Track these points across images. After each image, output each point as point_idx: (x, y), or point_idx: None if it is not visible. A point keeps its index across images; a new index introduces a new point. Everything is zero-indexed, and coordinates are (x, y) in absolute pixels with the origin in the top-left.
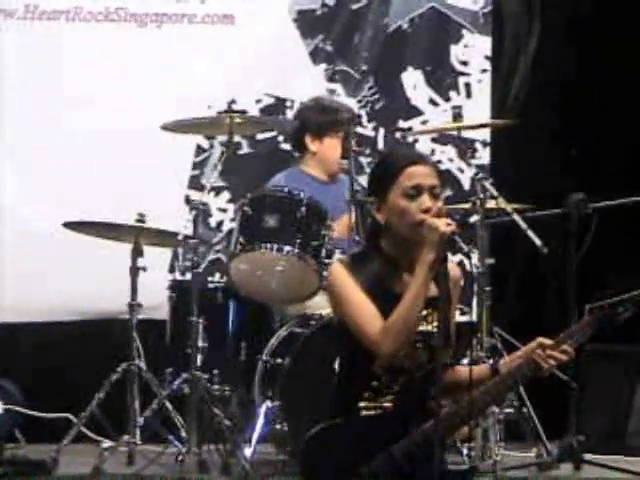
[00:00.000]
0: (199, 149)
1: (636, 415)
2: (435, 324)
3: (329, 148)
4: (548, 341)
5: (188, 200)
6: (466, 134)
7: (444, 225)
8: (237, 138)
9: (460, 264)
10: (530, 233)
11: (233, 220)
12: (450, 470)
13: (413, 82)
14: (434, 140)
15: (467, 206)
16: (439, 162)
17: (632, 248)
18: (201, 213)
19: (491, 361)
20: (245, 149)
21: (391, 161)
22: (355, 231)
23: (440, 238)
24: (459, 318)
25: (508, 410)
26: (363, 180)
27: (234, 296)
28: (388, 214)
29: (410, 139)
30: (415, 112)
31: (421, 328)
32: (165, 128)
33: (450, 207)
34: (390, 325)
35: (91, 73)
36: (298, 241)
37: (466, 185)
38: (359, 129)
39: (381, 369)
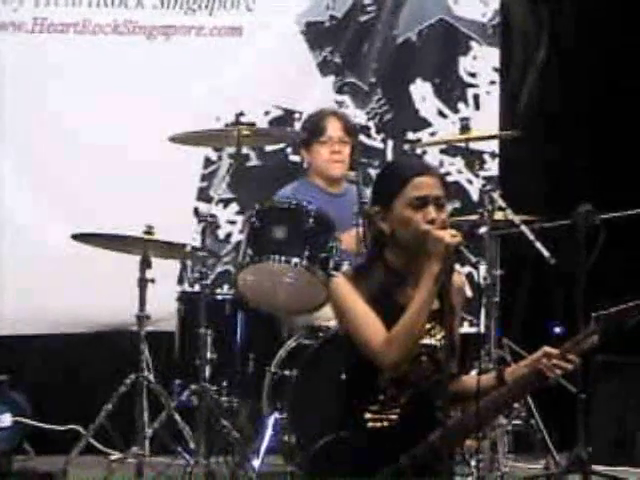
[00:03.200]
0: (207, 161)
1: None
2: (439, 337)
3: (315, 155)
4: (554, 350)
5: (196, 212)
6: (475, 146)
7: (449, 236)
8: (245, 150)
9: (468, 275)
10: (538, 244)
11: (241, 232)
12: None
13: (422, 94)
14: (443, 152)
15: (475, 217)
16: (448, 174)
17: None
18: (209, 225)
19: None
20: (253, 161)
21: (397, 171)
22: (364, 243)
23: (445, 250)
24: (467, 329)
25: (516, 421)
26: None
27: (242, 308)
28: (393, 224)
29: (419, 151)
30: (424, 124)
31: (425, 341)
32: (173, 140)
33: (458, 219)
34: (394, 336)
35: (99, 85)
36: (306, 253)
37: (474, 196)
38: (368, 141)
39: (387, 382)
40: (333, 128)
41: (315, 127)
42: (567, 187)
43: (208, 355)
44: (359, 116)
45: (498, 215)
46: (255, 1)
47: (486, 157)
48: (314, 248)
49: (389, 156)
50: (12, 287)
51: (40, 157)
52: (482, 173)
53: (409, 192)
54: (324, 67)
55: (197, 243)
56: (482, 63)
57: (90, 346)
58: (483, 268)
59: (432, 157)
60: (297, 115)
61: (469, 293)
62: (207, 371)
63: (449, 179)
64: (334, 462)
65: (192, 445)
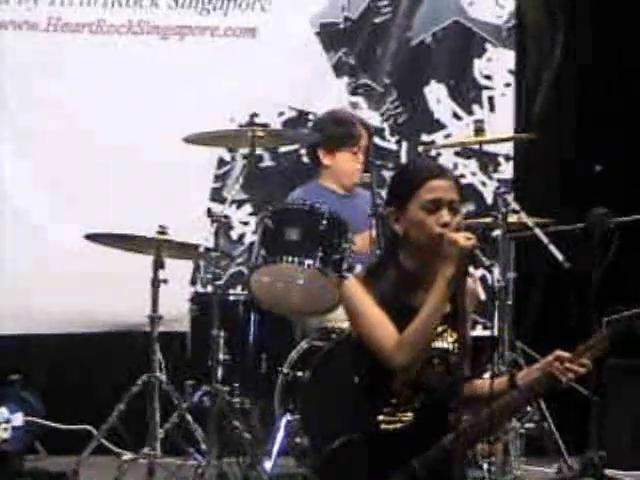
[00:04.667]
0: (221, 162)
1: None
2: (451, 340)
3: (342, 161)
4: (566, 354)
5: (210, 213)
6: (489, 148)
7: (464, 239)
8: (259, 151)
9: (482, 278)
10: (552, 247)
11: (255, 233)
12: None
13: (436, 96)
14: (457, 154)
15: (489, 220)
16: (462, 176)
17: None
18: (223, 226)
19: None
20: (267, 162)
21: (412, 173)
22: (377, 245)
23: (460, 252)
24: (481, 332)
25: (529, 425)
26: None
27: (255, 309)
28: (406, 226)
29: (433, 153)
30: (438, 126)
31: (437, 344)
32: (187, 140)
33: (472, 221)
34: (405, 339)
35: (114, 85)
36: (319, 254)
37: (489, 199)
38: (382, 143)
39: (400, 385)
40: (364, 137)
41: (348, 133)
42: (582, 190)
43: (220, 356)
44: (373, 118)
45: (512, 218)
46: (270, 2)
47: (500, 159)
48: (327, 250)
49: (403, 158)
50: (25, 287)
51: (55, 157)
52: (496, 175)
53: (423, 195)
54: (338, 68)
55: (210, 244)
56: (497, 65)
57: (102, 346)
58: (497, 271)
59: (446, 159)
60: (311, 116)
61: (482, 296)
62: (219, 372)
63: (463, 181)
64: (347, 464)
65: (204, 446)
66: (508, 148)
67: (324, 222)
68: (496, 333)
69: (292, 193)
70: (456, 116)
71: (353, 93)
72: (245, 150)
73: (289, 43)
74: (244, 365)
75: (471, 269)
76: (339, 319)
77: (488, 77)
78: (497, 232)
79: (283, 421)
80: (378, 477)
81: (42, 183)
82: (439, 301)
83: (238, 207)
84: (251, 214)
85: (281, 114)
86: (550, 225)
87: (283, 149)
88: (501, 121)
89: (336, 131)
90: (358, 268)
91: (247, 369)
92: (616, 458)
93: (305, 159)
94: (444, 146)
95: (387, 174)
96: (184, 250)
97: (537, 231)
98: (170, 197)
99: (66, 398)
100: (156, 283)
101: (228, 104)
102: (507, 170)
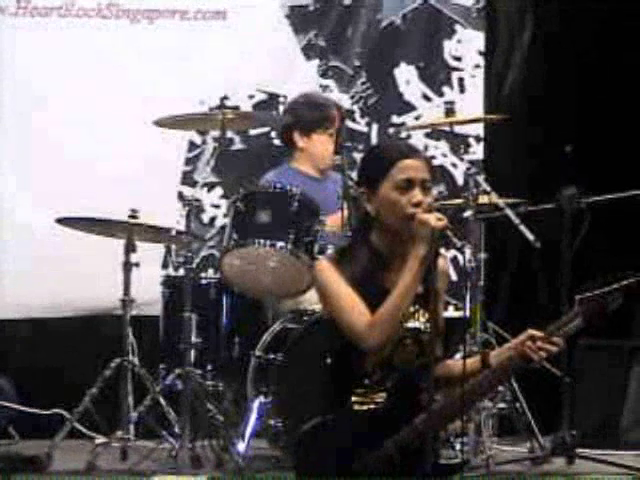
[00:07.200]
0: (192, 145)
1: (628, 409)
2: (423, 320)
3: (319, 143)
4: (538, 333)
5: (181, 196)
6: (459, 129)
7: (435, 220)
8: (230, 134)
9: (453, 259)
10: (522, 228)
11: (226, 216)
12: (442, 463)
13: (406, 77)
14: (427, 135)
15: (460, 201)
16: (432, 157)
17: (625, 242)
18: (194, 209)
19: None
20: (238, 145)
21: (383, 153)
22: (348, 226)
23: (431, 233)
24: (452, 314)
25: (501, 405)
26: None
27: (227, 292)
28: (378, 206)
29: (403, 134)
30: (408, 107)
31: (410, 324)
32: (157, 124)
33: (443, 202)
34: (377, 319)
35: (83, 69)
36: (291, 237)
37: (459, 180)
38: (352, 125)
39: (372, 365)
40: (338, 120)
41: (324, 116)
42: (552, 170)
43: (193, 339)
44: (343, 100)
45: (483, 199)
46: None
47: (471, 141)
48: (299, 232)
49: (373, 140)
50: None
51: (24, 141)
52: (467, 157)
53: (395, 174)
54: (308, 51)
55: (181, 227)
56: (467, 47)
57: (75, 330)
58: (468, 252)
59: (417, 141)
60: (281, 99)
61: (454, 277)
62: (192, 355)
63: (434, 163)
64: (320, 445)
65: (177, 429)
66: (478, 129)
67: (295, 204)
68: (467, 314)
69: (264, 176)
70: (426, 97)
71: (323, 75)
72: (216, 133)
73: (259, 26)
74: (216, 348)
75: (442, 250)
76: (311, 301)
77: (458, 58)
78: (468, 213)
79: (256, 403)
80: (351, 458)
81: (12, 168)
82: (411, 281)
83: (209, 190)
84: (222, 197)
85: (251, 97)
86: (521, 205)
87: (253, 132)
88: (471, 102)
89: (312, 114)
90: (329, 250)
91: (219, 352)
92: (587, 437)
93: (276, 142)
94: (414, 127)
95: (357, 156)
96: (155, 233)
97: (508, 211)
98: (141, 180)
99: (39, 382)
100: (128, 267)
101: (198, 87)
102: (477, 151)
